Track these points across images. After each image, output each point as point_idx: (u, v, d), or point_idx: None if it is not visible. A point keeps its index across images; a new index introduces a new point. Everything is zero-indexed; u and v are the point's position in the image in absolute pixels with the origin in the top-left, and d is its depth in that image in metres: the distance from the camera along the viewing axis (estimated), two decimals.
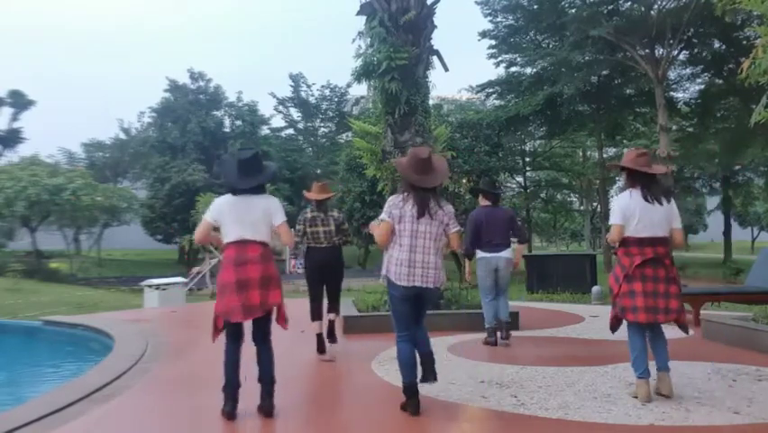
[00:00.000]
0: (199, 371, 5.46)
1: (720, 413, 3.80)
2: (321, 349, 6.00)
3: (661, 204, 4.00)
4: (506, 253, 6.39)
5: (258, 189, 3.96)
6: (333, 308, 6.37)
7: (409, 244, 3.84)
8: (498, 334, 6.49)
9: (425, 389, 4.49)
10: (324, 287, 6.22)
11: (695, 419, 3.69)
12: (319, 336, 6.05)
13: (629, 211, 4.01)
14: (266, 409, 3.86)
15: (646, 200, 3.99)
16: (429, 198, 3.90)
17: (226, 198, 3.97)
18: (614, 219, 4.08)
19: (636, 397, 4.11)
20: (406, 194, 3.94)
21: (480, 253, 6.44)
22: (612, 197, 37.92)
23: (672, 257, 4.08)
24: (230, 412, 3.83)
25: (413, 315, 3.97)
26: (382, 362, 5.54)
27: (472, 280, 7.00)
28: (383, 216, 3.94)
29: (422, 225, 3.86)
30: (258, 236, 3.84)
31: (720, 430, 3.53)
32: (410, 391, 3.88)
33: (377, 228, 3.98)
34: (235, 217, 3.86)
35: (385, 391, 4.54)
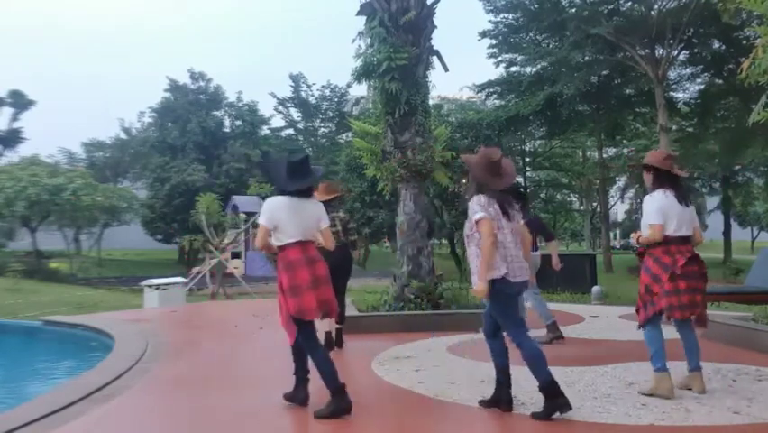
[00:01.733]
0: (199, 371, 5.46)
1: (720, 413, 3.80)
2: (329, 346, 6.08)
3: (688, 205, 4.19)
4: (534, 254, 6.52)
5: (308, 193, 4.10)
6: (341, 317, 6.34)
7: (509, 240, 3.83)
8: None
9: (423, 388, 4.50)
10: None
11: (695, 419, 3.68)
12: (328, 333, 6.14)
13: (667, 211, 4.11)
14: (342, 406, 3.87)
15: (680, 201, 4.13)
16: (507, 198, 3.93)
17: (282, 200, 3.99)
18: (655, 219, 4.11)
19: (652, 395, 4.10)
20: (488, 196, 3.85)
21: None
22: (612, 197, 38.04)
23: None
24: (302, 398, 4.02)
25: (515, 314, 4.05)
26: (382, 362, 5.53)
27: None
28: (482, 213, 3.76)
29: (508, 223, 3.88)
30: (313, 238, 4.02)
31: (720, 430, 3.53)
32: (552, 387, 3.76)
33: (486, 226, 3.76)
34: (295, 219, 3.94)
35: (385, 391, 4.54)
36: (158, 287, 12.35)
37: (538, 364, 3.78)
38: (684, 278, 4.10)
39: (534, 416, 3.75)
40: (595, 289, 11.61)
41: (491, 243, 3.69)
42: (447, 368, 5.25)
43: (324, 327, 6.15)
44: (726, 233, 32.53)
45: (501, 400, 3.94)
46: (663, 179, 4.20)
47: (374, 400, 4.35)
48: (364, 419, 3.93)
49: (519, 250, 3.89)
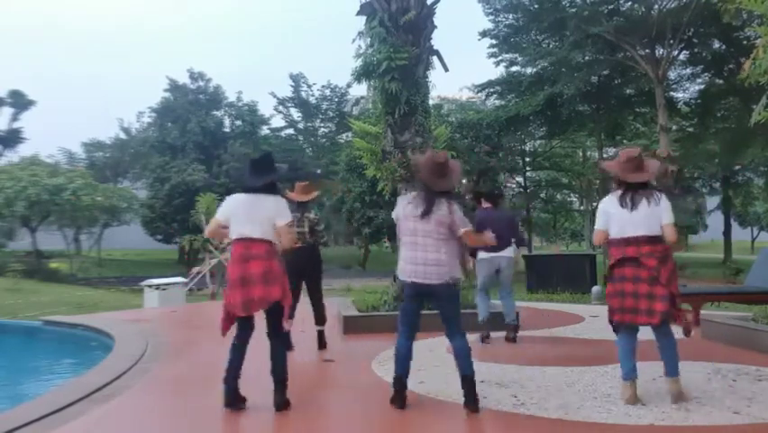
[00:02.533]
0: (199, 371, 5.46)
1: (720, 413, 3.80)
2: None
3: (635, 207, 3.95)
4: (507, 253, 6.60)
5: (268, 189, 4.07)
6: (319, 318, 6.38)
7: (412, 241, 3.98)
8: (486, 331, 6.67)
9: (424, 388, 4.50)
10: (306, 289, 6.29)
11: (695, 419, 3.68)
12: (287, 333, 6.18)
13: (607, 214, 4.08)
14: (276, 403, 3.95)
15: (621, 204, 4.01)
16: (434, 200, 3.98)
17: (237, 196, 4.10)
18: (596, 224, 4.18)
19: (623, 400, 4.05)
20: (415, 194, 4.11)
21: (481, 254, 6.58)
22: None
23: (666, 257, 3.94)
24: (228, 401, 3.96)
25: (416, 318, 4.09)
26: (382, 362, 5.53)
27: (471, 279, 7.13)
28: (393, 214, 4.18)
29: (423, 223, 3.96)
30: (263, 234, 3.94)
31: (720, 430, 3.53)
32: (397, 384, 4.01)
33: None
34: (243, 215, 3.98)
35: (385, 391, 4.52)
36: (158, 287, 12.35)
37: (395, 360, 4.04)
38: (620, 280, 3.98)
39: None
40: (595, 289, 11.61)
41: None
42: (447, 368, 5.24)
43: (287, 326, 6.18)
44: (727, 233, 32.53)
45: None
46: (619, 182, 4.13)
47: (374, 399, 4.35)
48: (364, 419, 3.93)
49: (428, 252, 3.91)
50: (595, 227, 4.19)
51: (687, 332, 4.12)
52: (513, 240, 6.70)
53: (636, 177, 4.03)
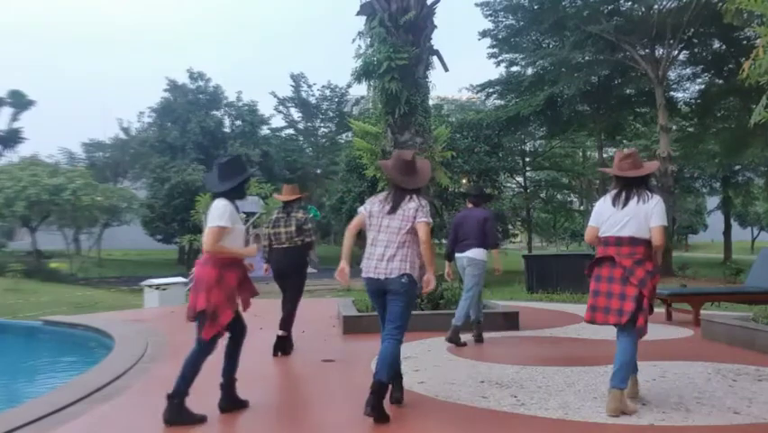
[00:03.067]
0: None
1: (720, 413, 3.80)
2: (285, 351, 5.98)
3: (625, 205, 3.91)
4: (470, 253, 6.37)
5: (227, 194, 3.90)
6: (285, 322, 6.06)
7: (373, 238, 3.97)
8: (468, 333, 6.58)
9: (423, 388, 4.50)
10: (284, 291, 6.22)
11: (695, 419, 3.68)
12: (282, 338, 6.03)
13: (599, 213, 4.07)
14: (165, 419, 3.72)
15: (612, 203, 4.00)
16: (403, 196, 3.98)
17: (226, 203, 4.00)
18: (589, 221, 4.19)
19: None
20: (385, 192, 4.12)
21: (455, 254, 6.55)
22: None
23: (644, 259, 3.85)
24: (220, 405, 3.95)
25: (384, 314, 3.97)
26: None
27: (454, 280, 7.13)
28: (360, 208, 4.16)
29: (389, 219, 3.95)
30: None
31: (720, 430, 3.53)
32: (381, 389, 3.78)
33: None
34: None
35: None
36: (158, 287, 12.34)
37: (383, 364, 3.79)
38: (596, 279, 3.97)
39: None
40: None
41: (347, 235, 4.12)
42: (447, 368, 5.25)
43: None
44: (727, 233, 32.55)
45: (392, 396, 4.06)
46: (615, 180, 4.13)
47: None
48: (364, 419, 3.93)
49: (385, 248, 3.87)
50: (588, 224, 4.21)
51: (640, 335, 3.95)
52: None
53: (632, 172, 4.02)
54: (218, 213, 3.77)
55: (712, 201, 38.63)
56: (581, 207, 41.49)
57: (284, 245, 6.06)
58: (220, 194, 3.90)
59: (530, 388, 4.50)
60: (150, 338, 7.00)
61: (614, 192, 4.05)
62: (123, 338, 7.09)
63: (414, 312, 7.90)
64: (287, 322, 6.07)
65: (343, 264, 4.03)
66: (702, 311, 7.57)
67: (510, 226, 28.46)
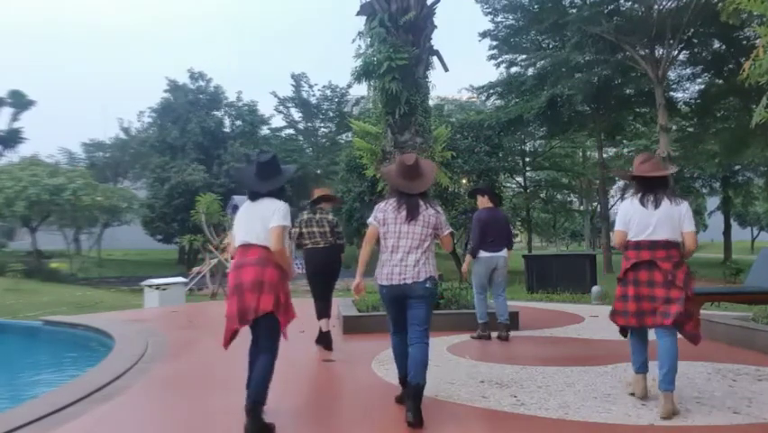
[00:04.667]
0: (199, 371, 5.46)
1: (720, 413, 3.80)
2: (328, 346, 6.22)
3: (657, 207, 3.91)
4: (504, 253, 6.73)
5: (273, 194, 3.84)
6: (325, 313, 6.39)
7: (392, 245, 3.94)
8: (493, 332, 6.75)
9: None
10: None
11: (695, 419, 3.68)
12: (327, 333, 6.25)
13: (628, 216, 4.03)
14: (245, 427, 3.49)
15: (642, 204, 3.97)
16: (418, 202, 3.98)
17: (243, 204, 3.96)
18: (617, 225, 4.13)
19: (633, 394, 4.15)
20: (393, 199, 4.04)
21: (481, 253, 6.66)
22: (612, 197, 38.05)
23: (680, 261, 3.90)
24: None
25: (401, 318, 3.96)
26: (382, 362, 5.53)
27: (468, 278, 7.18)
28: (370, 219, 4.10)
29: (407, 226, 3.94)
30: (258, 240, 3.72)
31: (720, 430, 3.53)
32: (402, 383, 4.02)
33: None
34: (243, 221, 3.82)
35: (385, 391, 4.54)
36: (158, 287, 12.35)
37: (419, 367, 3.78)
38: (634, 284, 3.95)
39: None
40: (595, 288, 11.62)
41: (366, 248, 4.09)
42: (447, 368, 5.25)
43: (322, 327, 6.26)
44: (727, 233, 32.53)
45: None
46: (638, 183, 4.10)
47: (374, 400, 4.35)
48: (364, 419, 3.93)
49: (407, 254, 3.87)
50: (615, 228, 4.13)
51: (693, 339, 3.96)
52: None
53: (656, 172, 4.03)
54: (283, 213, 3.73)
55: (712, 201, 38.59)
56: (581, 207, 41.55)
57: (320, 245, 6.19)
58: (261, 194, 3.82)
59: (530, 388, 4.51)
60: (150, 338, 7.00)
61: (639, 195, 4.02)
62: (123, 338, 7.09)
63: None
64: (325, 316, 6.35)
65: (359, 279, 4.11)
66: (702, 311, 7.57)
67: (510, 226, 28.46)
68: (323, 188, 6.78)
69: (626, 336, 4.25)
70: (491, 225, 6.66)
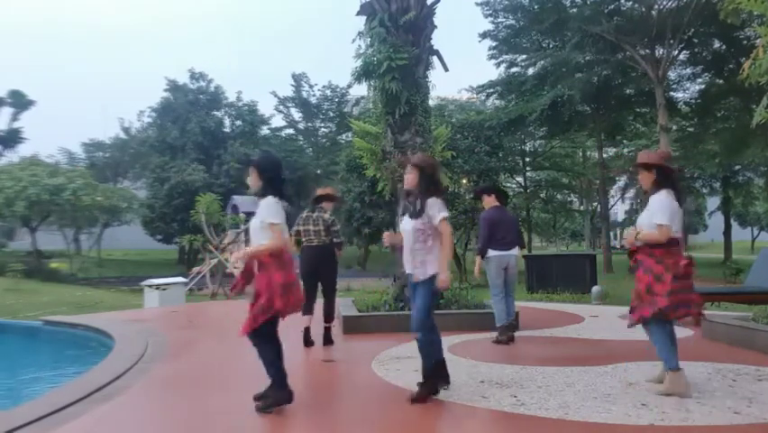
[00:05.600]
0: (199, 371, 5.45)
1: (720, 413, 3.80)
2: (307, 342, 6.36)
3: (680, 206, 4.16)
4: (515, 251, 6.73)
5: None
6: (328, 316, 6.54)
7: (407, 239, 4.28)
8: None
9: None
10: (320, 286, 6.49)
11: (695, 419, 3.68)
12: (306, 329, 6.38)
13: (673, 211, 4.11)
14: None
15: (678, 202, 4.13)
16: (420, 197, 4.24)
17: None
18: (664, 219, 4.08)
19: (670, 394, 4.12)
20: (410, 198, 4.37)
21: (491, 252, 6.62)
22: (612, 197, 38.07)
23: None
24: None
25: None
26: (382, 362, 5.53)
27: (480, 278, 7.18)
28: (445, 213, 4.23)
29: (403, 223, 4.31)
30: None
31: (720, 430, 3.53)
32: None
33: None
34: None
35: (385, 391, 4.54)
36: (158, 287, 12.34)
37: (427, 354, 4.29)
38: (686, 278, 4.11)
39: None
40: (595, 289, 11.61)
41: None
42: (448, 368, 5.23)
43: (303, 323, 6.35)
44: (727, 233, 32.52)
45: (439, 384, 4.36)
46: (668, 178, 4.18)
47: (375, 399, 4.35)
48: (364, 419, 3.93)
49: (408, 246, 4.23)
50: (665, 222, 4.08)
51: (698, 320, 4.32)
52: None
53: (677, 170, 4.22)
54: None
55: (712, 201, 38.60)
56: (581, 207, 41.52)
57: (314, 243, 6.32)
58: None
59: (530, 388, 4.50)
60: (150, 338, 6.99)
61: (675, 192, 4.17)
62: (123, 338, 7.09)
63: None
64: (329, 316, 6.51)
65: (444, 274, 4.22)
66: (702, 311, 7.57)
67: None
68: (326, 187, 6.89)
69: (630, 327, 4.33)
70: (500, 224, 6.63)
